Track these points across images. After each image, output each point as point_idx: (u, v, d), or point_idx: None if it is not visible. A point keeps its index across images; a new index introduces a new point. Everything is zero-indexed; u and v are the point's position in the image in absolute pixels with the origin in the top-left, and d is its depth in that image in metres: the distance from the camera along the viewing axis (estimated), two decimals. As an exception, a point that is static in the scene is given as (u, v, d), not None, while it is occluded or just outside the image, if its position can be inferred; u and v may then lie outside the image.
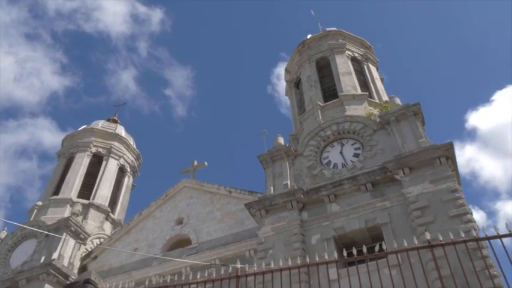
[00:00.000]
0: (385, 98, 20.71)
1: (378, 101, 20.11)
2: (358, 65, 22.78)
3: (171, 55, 75.35)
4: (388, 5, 66.95)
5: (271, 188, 17.34)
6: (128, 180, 28.09)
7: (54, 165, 27.92)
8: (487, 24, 62.91)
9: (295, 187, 16.61)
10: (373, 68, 23.03)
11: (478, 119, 67.74)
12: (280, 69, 75.54)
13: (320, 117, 19.33)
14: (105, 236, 23.21)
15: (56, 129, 69.40)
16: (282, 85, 71.63)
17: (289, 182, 17.15)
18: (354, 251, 8.80)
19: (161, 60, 74.35)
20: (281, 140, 19.62)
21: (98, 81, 71.16)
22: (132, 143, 29.49)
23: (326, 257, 9.91)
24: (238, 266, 7.47)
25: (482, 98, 70.96)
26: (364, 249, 8.64)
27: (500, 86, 71.21)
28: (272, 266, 8.45)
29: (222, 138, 68.47)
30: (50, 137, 67.52)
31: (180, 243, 20.07)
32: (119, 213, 26.01)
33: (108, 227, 24.35)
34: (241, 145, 68.05)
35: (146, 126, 67.33)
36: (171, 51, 76.33)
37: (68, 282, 7.68)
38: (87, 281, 6.84)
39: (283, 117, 67.12)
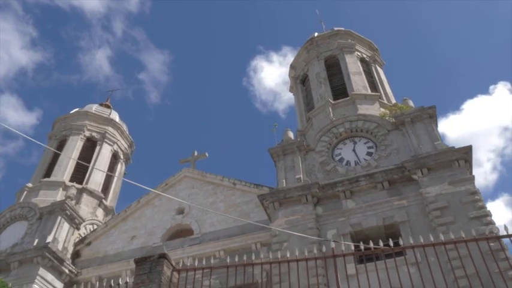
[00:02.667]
0: (393, 100, 20.90)
1: (386, 103, 20.25)
2: (366, 66, 22.88)
3: (148, 37, 73.16)
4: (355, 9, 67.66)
5: (283, 181, 17.17)
6: (120, 167, 27.38)
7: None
8: (461, 33, 64.74)
9: (309, 181, 16.50)
10: (380, 70, 23.19)
11: (447, 126, 69.17)
12: (257, 62, 75.35)
13: (331, 114, 19.30)
14: (98, 222, 22.53)
15: (21, 107, 66.66)
16: (257, 78, 71.52)
17: (302, 176, 17.02)
18: (381, 246, 8.71)
19: (137, 42, 72.25)
20: (291, 135, 19.56)
21: (70, 59, 68.35)
22: (125, 130, 28.76)
23: (351, 248, 9.86)
24: (333, 246, 7.21)
25: (453, 105, 72.57)
26: (390, 245, 8.62)
27: (471, 95, 73.03)
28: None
29: (196, 129, 67.69)
30: (15, 115, 64.63)
31: (180, 233, 19.61)
32: (111, 200, 25.29)
33: (100, 214, 23.64)
34: (214, 137, 67.54)
35: (118, 111, 65.28)
36: (148, 33, 73.79)
37: (140, 257, 7.25)
38: (163, 256, 6.51)
39: (256, 111, 67.09)
